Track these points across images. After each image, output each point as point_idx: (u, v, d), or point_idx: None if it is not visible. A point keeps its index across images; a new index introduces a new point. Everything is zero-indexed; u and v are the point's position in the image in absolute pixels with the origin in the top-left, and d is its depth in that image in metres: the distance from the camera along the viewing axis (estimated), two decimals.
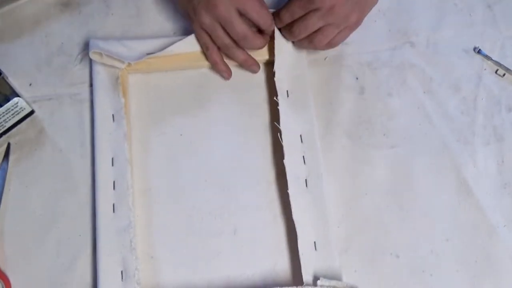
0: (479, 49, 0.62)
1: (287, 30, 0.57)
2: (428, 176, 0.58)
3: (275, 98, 0.57)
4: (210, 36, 0.56)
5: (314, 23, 0.54)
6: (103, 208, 0.53)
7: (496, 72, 0.62)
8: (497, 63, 0.62)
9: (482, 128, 0.60)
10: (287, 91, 0.58)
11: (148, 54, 0.58)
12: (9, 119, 0.55)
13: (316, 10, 0.53)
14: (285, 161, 0.55)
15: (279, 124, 0.56)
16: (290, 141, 0.56)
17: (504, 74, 0.62)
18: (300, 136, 0.56)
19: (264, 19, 0.55)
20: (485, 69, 0.62)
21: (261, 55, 0.59)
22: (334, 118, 0.59)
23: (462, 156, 0.58)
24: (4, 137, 0.56)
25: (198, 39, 0.57)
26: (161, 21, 0.62)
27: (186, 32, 0.61)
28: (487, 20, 0.64)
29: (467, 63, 0.62)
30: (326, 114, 0.59)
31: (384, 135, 0.59)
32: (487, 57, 0.62)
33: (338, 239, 0.54)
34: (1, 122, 0.55)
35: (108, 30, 0.61)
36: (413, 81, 0.61)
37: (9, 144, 0.56)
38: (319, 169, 0.55)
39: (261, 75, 0.61)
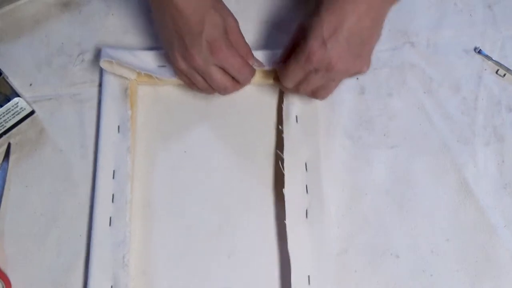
0: (480, 49, 0.62)
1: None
2: (428, 176, 0.58)
3: (279, 126, 0.57)
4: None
5: (315, 82, 0.52)
6: (99, 220, 0.52)
7: (496, 72, 0.62)
8: (497, 63, 0.62)
9: (483, 128, 0.60)
10: (296, 116, 0.57)
11: (159, 66, 0.57)
12: (10, 119, 0.55)
13: (316, 70, 0.50)
14: (285, 191, 0.54)
15: (282, 152, 0.55)
16: (294, 169, 0.55)
17: (504, 75, 0.62)
18: (305, 164, 0.55)
19: (244, 76, 0.54)
20: (485, 69, 0.62)
21: (274, 78, 0.58)
22: (335, 118, 0.59)
23: (462, 156, 0.58)
24: (4, 137, 0.56)
25: (180, 79, 0.56)
26: None
27: None
28: (487, 20, 0.64)
29: (467, 63, 0.62)
30: (327, 114, 0.59)
31: (384, 135, 0.59)
32: (487, 57, 0.62)
33: (338, 239, 0.54)
34: (2, 122, 0.55)
35: (108, 30, 0.61)
36: (413, 81, 0.61)
37: (9, 144, 0.56)
38: (321, 200, 0.54)
39: (273, 97, 0.60)
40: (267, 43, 0.62)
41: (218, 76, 0.52)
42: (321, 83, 0.52)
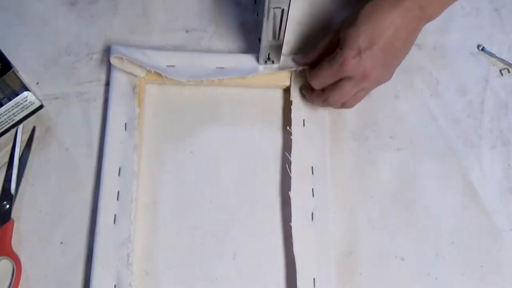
0: (483, 47, 0.62)
1: (319, 96, 0.55)
2: (434, 179, 0.58)
3: (288, 128, 0.57)
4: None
5: (348, 91, 0.53)
6: (104, 217, 0.52)
7: (500, 71, 0.62)
8: (501, 59, 0.62)
9: (489, 131, 0.60)
10: (303, 120, 0.57)
11: (168, 66, 0.57)
12: (18, 113, 0.55)
13: (349, 78, 0.51)
14: (291, 193, 0.54)
15: (290, 154, 0.55)
16: (301, 172, 0.55)
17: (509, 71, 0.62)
18: (312, 167, 0.56)
19: None
20: (492, 73, 0.62)
21: (282, 81, 0.58)
22: (341, 120, 0.59)
23: (468, 160, 0.58)
24: (24, 122, 0.56)
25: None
26: (168, 20, 0.62)
27: (193, 31, 0.62)
28: (494, 23, 0.64)
29: (474, 66, 0.62)
30: (333, 116, 0.59)
31: (390, 137, 0.59)
32: (491, 54, 0.62)
33: (343, 241, 0.54)
34: (10, 116, 0.55)
35: (116, 30, 0.61)
36: (420, 83, 0.61)
37: (34, 128, 0.56)
38: (327, 203, 0.54)
39: (279, 101, 0.60)
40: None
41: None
42: (353, 93, 0.53)
